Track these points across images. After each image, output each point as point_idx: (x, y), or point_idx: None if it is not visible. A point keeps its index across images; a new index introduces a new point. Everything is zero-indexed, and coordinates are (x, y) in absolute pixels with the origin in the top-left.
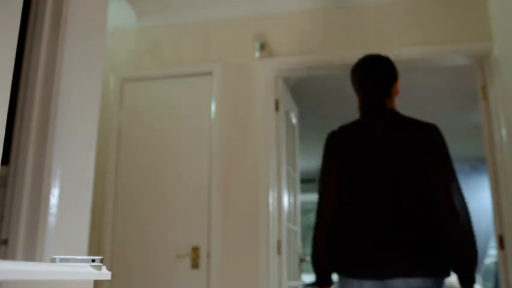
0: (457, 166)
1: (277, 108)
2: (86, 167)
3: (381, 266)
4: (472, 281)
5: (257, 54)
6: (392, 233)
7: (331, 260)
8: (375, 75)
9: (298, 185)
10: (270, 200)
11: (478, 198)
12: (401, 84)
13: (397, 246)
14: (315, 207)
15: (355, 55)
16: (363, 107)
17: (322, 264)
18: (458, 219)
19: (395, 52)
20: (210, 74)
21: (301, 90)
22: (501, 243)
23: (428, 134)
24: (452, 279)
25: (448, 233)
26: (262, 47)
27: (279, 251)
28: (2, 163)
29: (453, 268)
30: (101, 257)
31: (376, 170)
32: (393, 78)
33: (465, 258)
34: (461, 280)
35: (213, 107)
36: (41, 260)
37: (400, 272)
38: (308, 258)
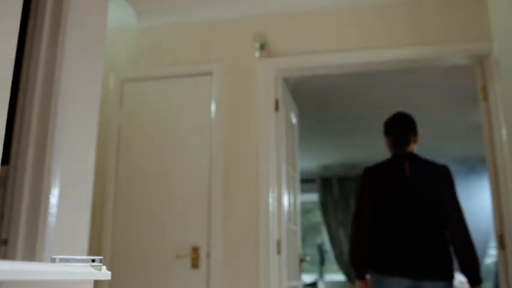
0: (458, 166)
1: (277, 108)
2: (86, 167)
3: (415, 269)
4: (480, 281)
5: (257, 54)
6: (422, 245)
7: (375, 262)
8: (402, 129)
9: (298, 185)
10: (270, 200)
11: (478, 198)
12: (402, 84)
13: (426, 255)
14: (315, 207)
15: (355, 55)
16: (394, 151)
17: (361, 264)
18: (466, 234)
19: (395, 52)
20: (210, 74)
21: (301, 90)
22: (501, 243)
23: (442, 172)
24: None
25: (458, 243)
26: (262, 47)
27: (279, 251)
28: (2, 163)
29: (464, 272)
30: (101, 257)
31: (405, 196)
32: (415, 131)
33: (471, 263)
34: (471, 281)
35: (213, 107)
36: (41, 260)
37: (429, 275)
38: (308, 258)
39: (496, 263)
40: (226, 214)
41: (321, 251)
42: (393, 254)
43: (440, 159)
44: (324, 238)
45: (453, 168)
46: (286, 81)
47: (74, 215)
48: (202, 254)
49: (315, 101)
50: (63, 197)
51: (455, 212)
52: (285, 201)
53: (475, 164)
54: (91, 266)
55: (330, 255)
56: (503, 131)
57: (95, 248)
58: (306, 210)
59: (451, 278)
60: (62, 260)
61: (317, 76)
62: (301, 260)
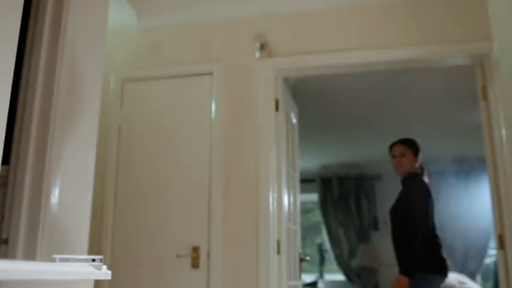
0: (457, 166)
1: (277, 108)
2: (86, 167)
3: (446, 268)
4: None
5: (257, 54)
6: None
7: (434, 264)
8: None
9: (298, 185)
10: (270, 200)
11: (478, 198)
12: (402, 84)
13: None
14: (315, 207)
15: (355, 55)
16: (414, 170)
17: (418, 265)
18: None
19: (395, 52)
20: (210, 74)
21: (301, 90)
22: (501, 243)
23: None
24: (450, 278)
25: None
26: (262, 47)
27: (278, 251)
28: (2, 163)
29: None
30: (101, 257)
31: (432, 211)
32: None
33: None
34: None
35: (213, 107)
36: (41, 260)
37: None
38: (308, 258)
39: (496, 263)
40: (226, 214)
41: (321, 251)
42: (439, 255)
43: (440, 159)
44: (324, 238)
45: (452, 168)
46: (286, 81)
47: (74, 215)
48: (202, 253)
49: (315, 101)
50: (63, 197)
51: None
52: (285, 201)
53: (474, 164)
54: (91, 265)
55: (330, 255)
56: (503, 131)
57: (95, 248)
58: (306, 210)
59: None
60: (62, 260)
61: (317, 76)
62: (301, 260)
